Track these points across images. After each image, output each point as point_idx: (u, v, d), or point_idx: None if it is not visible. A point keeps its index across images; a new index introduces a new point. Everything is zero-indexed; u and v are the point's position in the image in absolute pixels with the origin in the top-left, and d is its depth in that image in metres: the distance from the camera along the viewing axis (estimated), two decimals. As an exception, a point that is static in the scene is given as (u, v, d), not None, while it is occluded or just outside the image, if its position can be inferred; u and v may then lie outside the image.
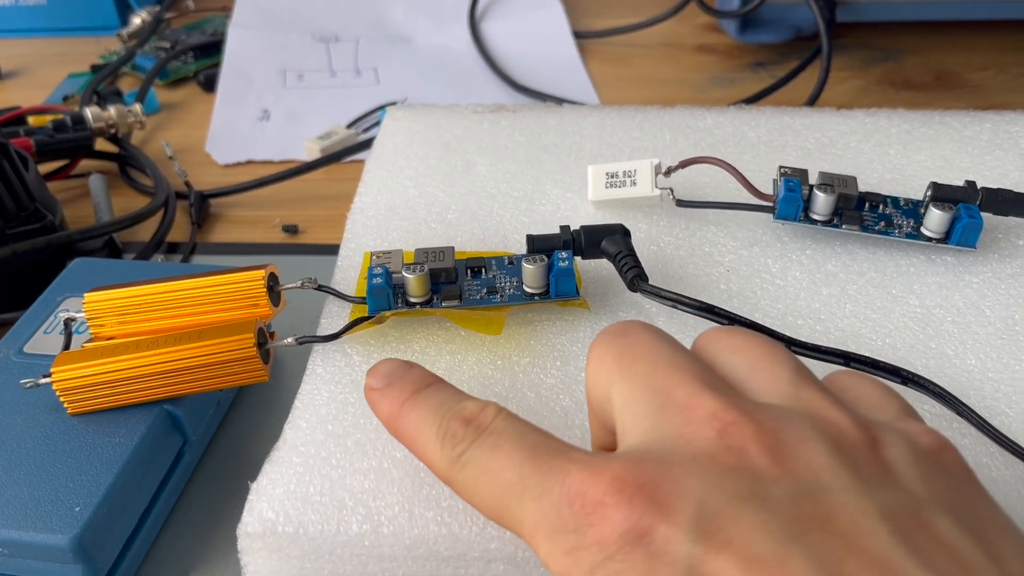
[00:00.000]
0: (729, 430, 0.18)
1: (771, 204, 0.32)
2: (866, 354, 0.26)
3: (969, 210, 0.31)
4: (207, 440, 0.32)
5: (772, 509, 0.16)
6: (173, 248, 0.44)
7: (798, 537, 0.15)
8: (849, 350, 0.26)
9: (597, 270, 0.31)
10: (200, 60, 0.63)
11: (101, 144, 0.51)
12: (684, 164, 0.33)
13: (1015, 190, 0.31)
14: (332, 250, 0.34)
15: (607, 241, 0.29)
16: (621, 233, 0.30)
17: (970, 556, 0.16)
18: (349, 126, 0.53)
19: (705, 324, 0.26)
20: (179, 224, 0.46)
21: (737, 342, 0.21)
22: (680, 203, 0.33)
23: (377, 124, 0.54)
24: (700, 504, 0.16)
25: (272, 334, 0.30)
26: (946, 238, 0.31)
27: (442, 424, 0.21)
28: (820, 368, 0.24)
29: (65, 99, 0.59)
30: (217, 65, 0.61)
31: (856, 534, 0.16)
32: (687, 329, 0.28)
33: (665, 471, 0.17)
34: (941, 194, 0.31)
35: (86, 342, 0.30)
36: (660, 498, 0.16)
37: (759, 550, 0.15)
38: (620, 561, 0.16)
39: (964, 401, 0.25)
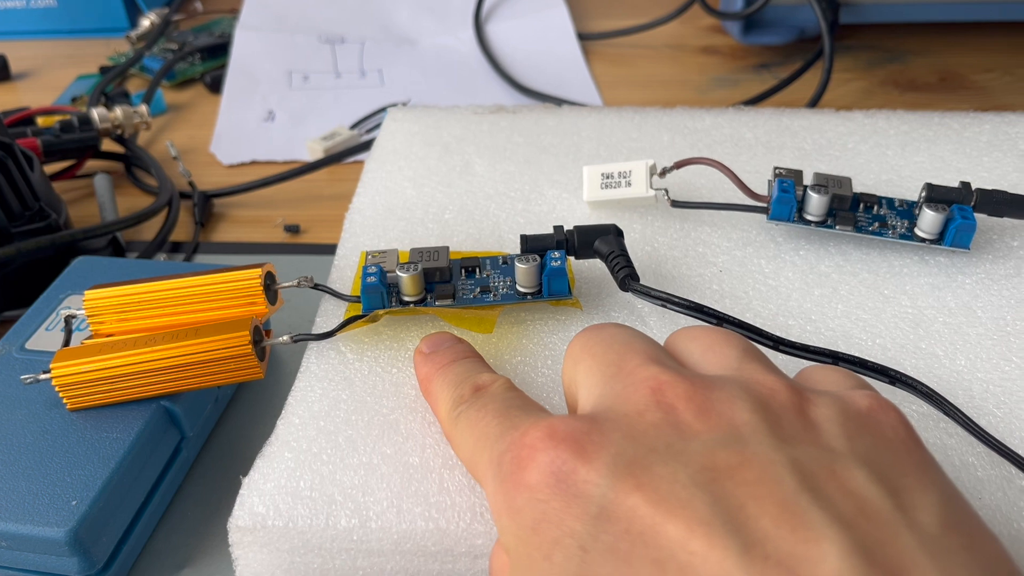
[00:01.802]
0: (663, 389, 0.19)
1: (765, 205, 0.32)
2: (855, 354, 0.26)
3: (963, 211, 0.31)
4: (205, 436, 0.32)
5: (684, 460, 0.17)
6: (176, 247, 0.45)
7: (704, 485, 0.17)
8: (838, 350, 0.26)
9: (591, 270, 0.31)
10: (207, 62, 0.64)
11: (107, 144, 0.51)
12: (679, 165, 0.34)
13: (1012, 191, 0.31)
14: (333, 250, 0.35)
15: (600, 241, 0.30)
16: (614, 233, 0.30)
17: (878, 505, 0.16)
18: (353, 127, 0.54)
19: (696, 323, 0.27)
20: (183, 224, 0.46)
21: (697, 333, 0.23)
22: (675, 204, 0.33)
23: (380, 125, 0.54)
24: (619, 453, 0.18)
25: (268, 332, 0.30)
26: (940, 239, 0.31)
27: (457, 388, 0.24)
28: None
29: (74, 100, 0.60)
30: (224, 67, 0.62)
31: (762, 482, 0.17)
32: (677, 328, 0.28)
33: (596, 425, 0.19)
34: (935, 195, 0.31)
35: (86, 339, 0.30)
36: (585, 445, 0.18)
37: (666, 494, 0.17)
38: (542, 501, 0.18)
39: (952, 401, 0.25)
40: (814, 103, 0.52)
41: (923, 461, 0.18)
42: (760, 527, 0.16)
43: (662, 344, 0.23)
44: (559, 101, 0.55)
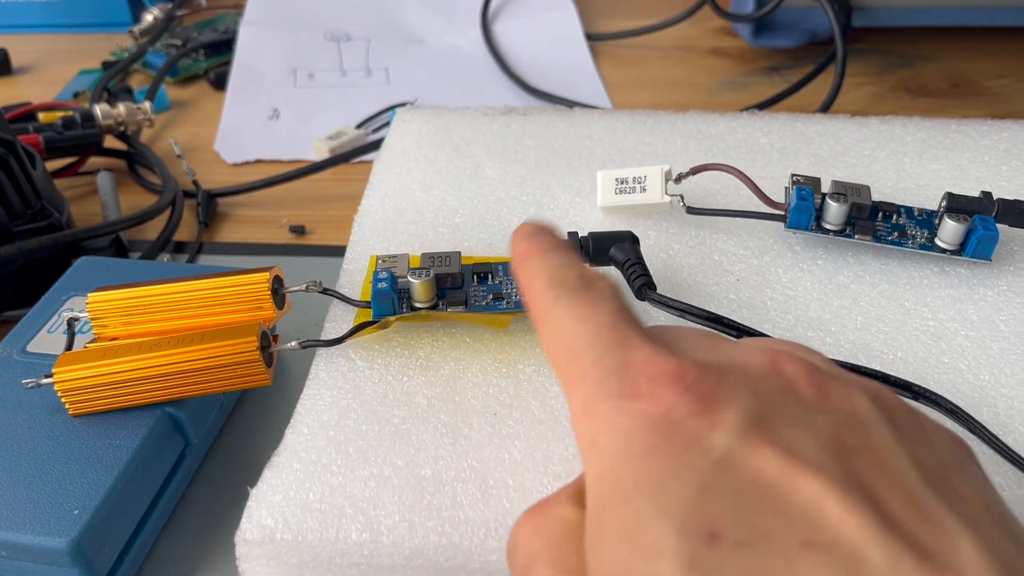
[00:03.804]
0: (780, 360, 0.18)
1: (783, 213, 0.32)
2: (877, 368, 0.25)
3: (985, 222, 0.30)
4: (209, 443, 0.31)
5: (813, 430, 0.17)
6: (180, 247, 0.44)
7: (836, 454, 0.16)
8: (860, 363, 0.25)
9: (605, 277, 0.31)
10: (211, 58, 0.63)
11: (110, 141, 0.51)
12: (695, 171, 0.33)
13: (1032, 202, 0.31)
14: (339, 251, 0.34)
15: (615, 248, 0.29)
16: (630, 240, 0.29)
17: (992, 518, 0.16)
18: (359, 126, 0.53)
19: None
20: (186, 223, 0.46)
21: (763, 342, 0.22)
22: (690, 210, 0.33)
23: (387, 125, 0.54)
24: (747, 408, 0.17)
25: (275, 337, 0.29)
26: (961, 250, 0.30)
27: (560, 272, 0.21)
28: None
29: (76, 95, 0.59)
30: (228, 63, 0.61)
31: (888, 471, 0.16)
32: (695, 339, 0.28)
33: (724, 375, 0.17)
34: (956, 205, 0.31)
35: (89, 342, 0.29)
36: (716, 395, 0.17)
37: (799, 454, 0.16)
38: (659, 431, 0.17)
39: (977, 418, 0.24)
40: (827, 107, 0.51)
41: (995, 497, 0.18)
42: (891, 508, 0.15)
43: None
44: (568, 102, 0.55)
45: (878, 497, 0.15)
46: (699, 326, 0.20)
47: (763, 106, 0.53)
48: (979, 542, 0.15)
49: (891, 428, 0.17)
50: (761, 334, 0.25)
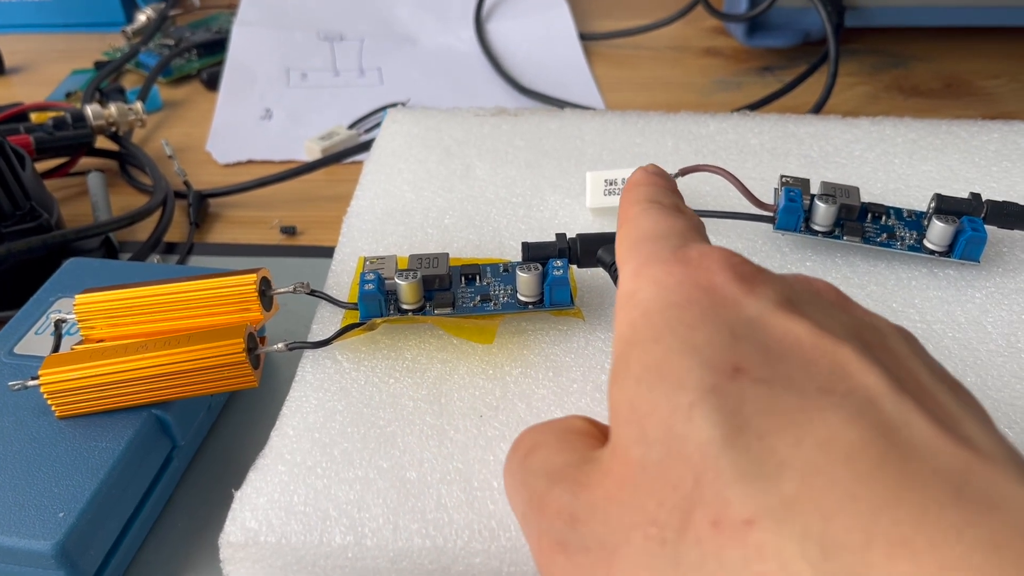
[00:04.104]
0: (810, 279, 0.20)
1: (771, 214, 0.32)
2: (864, 370, 0.25)
3: (973, 223, 0.30)
4: (197, 445, 0.31)
5: (839, 321, 0.18)
6: (170, 248, 0.44)
7: (860, 341, 0.17)
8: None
9: (594, 279, 0.31)
10: (204, 58, 0.63)
11: (102, 142, 0.51)
12: (684, 172, 0.33)
13: (1022, 203, 0.31)
14: (330, 252, 0.34)
15: (603, 250, 0.29)
16: (617, 242, 0.29)
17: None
18: (351, 127, 0.53)
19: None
20: (178, 224, 0.46)
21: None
22: (679, 211, 0.33)
23: (379, 125, 0.54)
24: (783, 293, 0.18)
25: (263, 339, 0.29)
26: (949, 251, 0.30)
27: (660, 195, 0.23)
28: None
29: (68, 96, 0.59)
30: (221, 63, 0.61)
31: (906, 366, 0.17)
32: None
33: (763, 270, 0.19)
34: (945, 206, 0.31)
35: (76, 344, 0.29)
36: (757, 277, 0.19)
37: (826, 328, 0.17)
38: (694, 293, 0.18)
39: (963, 420, 0.24)
40: (819, 108, 0.51)
41: None
42: (908, 387, 0.16)
43: None
44: (560, 103, 0.55)
45: (896, 376, 0.17)
46: None
47: (755, 106, 0.53)
48: (990, 430, 0.16)
49: (906, 342, 0.19)
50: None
